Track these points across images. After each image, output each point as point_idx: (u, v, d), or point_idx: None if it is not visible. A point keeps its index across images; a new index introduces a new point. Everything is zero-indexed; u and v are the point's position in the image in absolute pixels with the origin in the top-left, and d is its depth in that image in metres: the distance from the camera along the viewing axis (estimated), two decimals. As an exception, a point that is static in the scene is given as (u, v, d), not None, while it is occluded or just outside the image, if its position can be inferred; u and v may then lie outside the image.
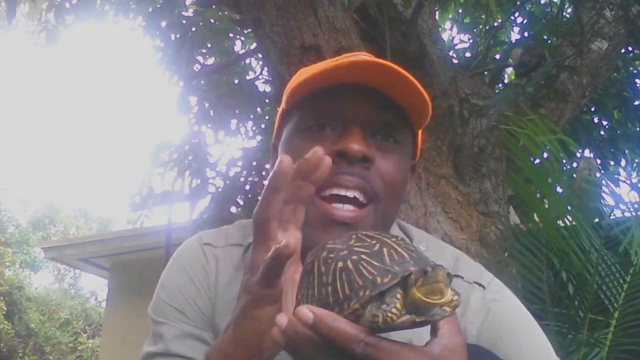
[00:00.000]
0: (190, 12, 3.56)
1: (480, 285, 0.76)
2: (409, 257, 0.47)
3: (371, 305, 0.45)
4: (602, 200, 2.05)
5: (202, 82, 3.76)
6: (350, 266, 0.47)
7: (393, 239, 0.50)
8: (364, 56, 0.76)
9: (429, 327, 0.49)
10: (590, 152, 3.57)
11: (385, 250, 0.48)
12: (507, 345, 0.71)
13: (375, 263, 0.47)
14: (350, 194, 0.67)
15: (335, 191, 0.67)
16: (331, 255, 0.49)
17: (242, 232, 0.81)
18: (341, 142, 0.68)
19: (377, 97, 0.69)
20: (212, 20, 3.47)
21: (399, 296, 0.45)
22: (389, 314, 0.44)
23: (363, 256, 0.48)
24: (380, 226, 0.70)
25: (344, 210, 0.67)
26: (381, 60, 0.67)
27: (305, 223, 0.66)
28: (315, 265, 0.50)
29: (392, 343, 0.46)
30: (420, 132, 0.79)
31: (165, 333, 0.76)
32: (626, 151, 3.68)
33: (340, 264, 0.48)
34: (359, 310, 0.45)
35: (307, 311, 0.46)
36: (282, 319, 0.48)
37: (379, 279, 0.45)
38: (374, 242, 0.49)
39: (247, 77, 3.87)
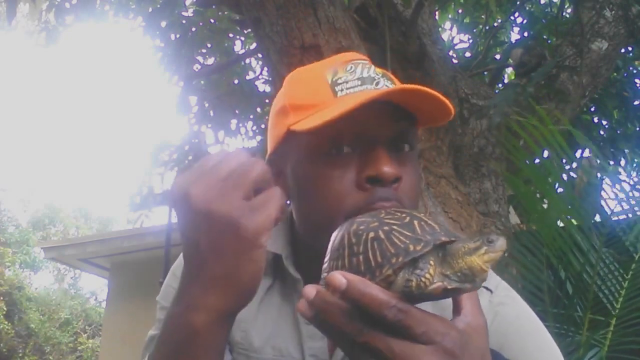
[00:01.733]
0: (190, 12, 3.56)
1: (487, 289, 0.75)
2: (439, 229, 0.49)
3: (403, 272, 0.46)
4: (602, 200, 2.05)
5: (202, 82, 3.76)
6: (382, 236, 0.48)
7: (422, 214, 0.51)
8: (360, 62, 0.73)
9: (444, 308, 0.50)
10: (590, 151, 3.57)
11: (415, 222, 0.49)
12: (514, 348, 0.70)
13: (407, 233, 0.48)
14: None
15: None
16: (361, 227, 0.50)
17: None
18: (372, 166, 0.65)
19: (393, 111, 0.68)
20: (212, 20, 3.47)
21: (432, 262, 0.46)
22: (423, 279, 0.45)
23: (394, 227, 0.48)
24: None
25: None
26: (414, 87, 0.65)
27: None
28: (346, 238, 0.50)
29: (423, 312, 0.46)
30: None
31: None
32: (626, 151, 3.68)
33: (371, 234, 0.48)
34: (391, 277, 0.46)
35: (340, 277, 0.45)
36: (311, 290, 0.47)
37: (411, 247, 0.46)
38: (404, 215, 0.50)
39: (247, 77, 3.87)
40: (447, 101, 0.67)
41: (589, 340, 1.82)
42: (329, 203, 0.67)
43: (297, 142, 0.71)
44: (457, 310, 0.50)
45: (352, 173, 0.67)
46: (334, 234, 0.53)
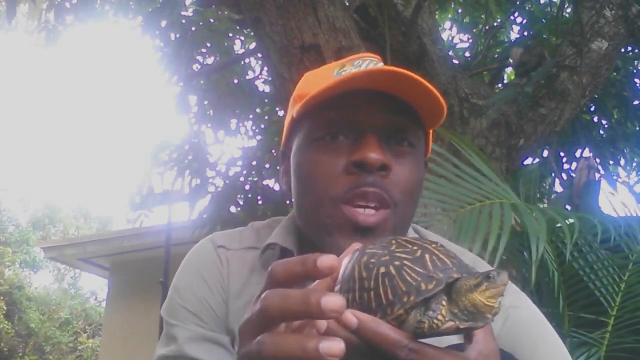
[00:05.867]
0: (190, 12, 3.56)
1: None
2: (451, 264, 0.47)
3: (415, 311, 0.45)
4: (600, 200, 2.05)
5: (202, 81, 3.76)
6: (393, 272, 0.47)
7: (433, 245, 0.50)
8: (367, 59, 0.75)
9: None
10: (589, 151, 3.57)
11: (427, 256, 0.48)
12: (525, 351, 0.70)
13: (418, 269, 0.47)
14: (371, 204, 0.67)
15: (357, 202, 0.67)
16: (372, 260, 0.49)
17: (256, 235, 0.81)
18: (358, 151, 0.67)
19: (389, 102, 0.69)
20: (212, 20, 3.47)
21: (444, 303, 0.45)
22: (435, 320, 0.44)
23: (405, 262, 0.47)
24: (399, 229, 0.69)
25: (367, 215, 0.66)
26: (394, 69, 0.66)
27: (328, 231, 0.68)
28: (356, 270, 0.49)
29: (435, 349, 0.46)
30: (431, 130, 0.78)
31: (179, 335, 0.75)
32: (625, 150, 3.68)
33: (382, 269, 0.47)
34: (402, 316, 0.45)
35: (351, 316, 0.45)
36: (322, 325, 0.47)
37: (423, 285, 0.45)
38: (415, 247, 0.49)
39: (247, 77, 3.87)
40: (432, 87, 0.67)
41: (587, 340, 1.83)
42: (316, 187, 0.69)
43: (298, 130, 0.73)
44: (468, 338, 0.50)
45: (342, 159, 0.68)
46: (344, 263, 0.51)
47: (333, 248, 0.66)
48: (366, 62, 0.74)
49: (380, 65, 0.74)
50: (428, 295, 0.45)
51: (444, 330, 0.45)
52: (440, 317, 0.44)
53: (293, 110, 0.74)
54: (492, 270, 0.45)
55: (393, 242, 0.50)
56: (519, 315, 0.74)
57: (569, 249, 1.56)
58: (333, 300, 0.44)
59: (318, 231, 0.70)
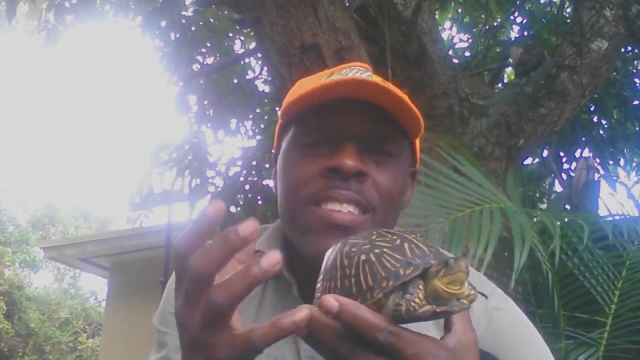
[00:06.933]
0: (190, 12, 3.56)
1: (482, 294, 0.76)
2: (429, 252, 0.49)
3: (394, 296, 0.47)
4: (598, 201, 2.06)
5: (202, 81, 3.76)
6: (373, 259, 0.49)
7: (412, 236, 0.52)
8: (355, 68, 0.75)
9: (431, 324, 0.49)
10: (589, 151, 3.58)
11: (406, 244, 0.50)
12: (509, 353, 0.71)
13: (397, 256, 0.48)
14: (344, 208, 0.67)
15: (329, 206, 0.67)
16: (353, 249, 0.51)
17: None
18: (334, 158, 0.67)
19: (370, 111, 0.69)
20: (212, 20, 3.47)
21: (420, 287, 0.47)
22: (412, 303, 0.46)
23: (385, 250, 0.49)
24: None
25: (343, 214, 0.67)
26: (366, 79, 0.67)
27: (303, 231, 0.68)
28: (338, 259, 0.51)
29: (414, 333, 0.47)
30: (417, 140, 0.78)
31: (169, 342, 0.76)
32: (625, 150, 3.69)
33: (363, 257, 0.50)
34: (382, 300, 0.47)
35: (333, 300, 0.46)
36: (304, 311, 0.48)
37: (401, 271, 0.47)
38: (395, 237, 0.51)
39: (247, 77, 3.87)
40: (407, 99, 0.67)
41: (586, 340, 1.83)
42: (292, 189, 0.70)
43: (285, 135, 0.75)
44: (447, 326, 0.51)
45: (319, 164, 0.69)
46: (327, 253, 0.54)
47: (310, 249, 0.67)
48: (353, 71, 0.74)
49: (368, 74, 0.74)
50: (406, 279, 0.47)
51: (421, 314, 0.46)
52: (417, 300, 0.46)
53: (280, 116, 0.76)
54: (451, 258, 0.47)
55: (374, 232, 0.52)
56: (503, 318, 0.75)
57: (557, 252, 1.57)
58: (248, 224, 0.45)
59: (296, 232, 0.71)
